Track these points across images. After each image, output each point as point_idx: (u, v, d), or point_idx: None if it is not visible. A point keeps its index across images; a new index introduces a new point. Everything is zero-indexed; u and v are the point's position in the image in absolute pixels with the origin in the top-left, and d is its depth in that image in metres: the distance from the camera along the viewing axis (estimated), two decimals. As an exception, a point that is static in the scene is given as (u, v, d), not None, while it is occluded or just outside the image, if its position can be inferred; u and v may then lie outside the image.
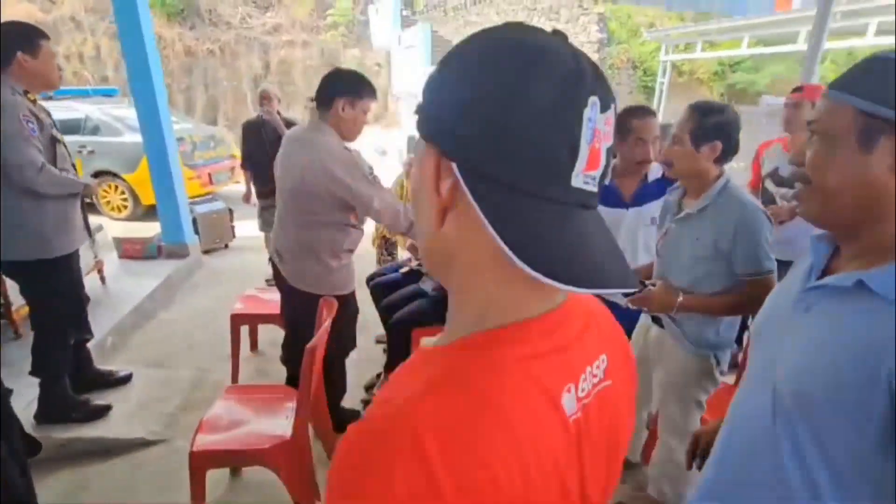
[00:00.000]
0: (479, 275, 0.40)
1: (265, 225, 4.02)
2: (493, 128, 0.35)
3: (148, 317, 3.45)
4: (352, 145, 1.92)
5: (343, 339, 2.11)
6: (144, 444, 2.17)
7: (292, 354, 2.07)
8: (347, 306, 2.02)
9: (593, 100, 0.35)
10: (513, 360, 0.37)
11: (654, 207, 1.82)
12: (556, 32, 0.39)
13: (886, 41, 6.01)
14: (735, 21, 9.04)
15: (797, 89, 2.40)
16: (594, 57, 9.56)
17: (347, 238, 1.97)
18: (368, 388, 2.61)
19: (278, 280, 2.12)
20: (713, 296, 1.42)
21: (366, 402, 2.51)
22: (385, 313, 2.65)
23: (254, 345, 3.03)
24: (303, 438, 1.63)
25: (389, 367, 2.54)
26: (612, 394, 0.46)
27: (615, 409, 0.47)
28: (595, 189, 0.38)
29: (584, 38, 9.97)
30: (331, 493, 0.35)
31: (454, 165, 0.37)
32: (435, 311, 2.47)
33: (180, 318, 3.48)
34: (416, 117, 0.42)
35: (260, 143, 3.70)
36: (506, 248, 0.33)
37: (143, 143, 4.09)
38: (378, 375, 2.67)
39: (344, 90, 1.81)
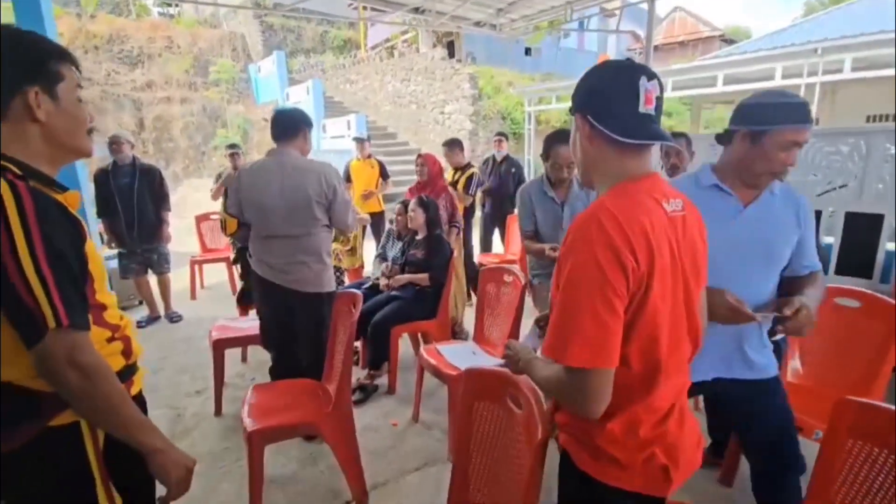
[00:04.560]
0: (609, 163, 0.93)
1: (124, 272, 4.03)
2: (607, 97, 0.91)
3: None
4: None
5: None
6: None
7: (315, 356, 2.25)
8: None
9: (642, 76, 0.87)
10: (637, 188, 0.90)
11: (579, 205, 2.42)
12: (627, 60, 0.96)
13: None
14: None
15: None
16: (470, 109, 11.16)
17: (330, 237, 2.42)
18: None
19: (270, 299, 2.33)
20: None
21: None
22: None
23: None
24: (345, 406, 1.90)
25: (374, 364, 2.86)
26: (688, 221, 0.94)
27: (692, 232, 0.94)
28: (654, 114, 0.89)
29: (458, 93, 11.39)
30: (562, 274, 0.85)
31: (590, 118, 0.92)
32: (415, 305, 2.89)
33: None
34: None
35: (110, 192, 3.77)
36: (622, 138, 0.87)
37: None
38: (357, 380, 2.92)
39: (307, 124, 2.41)
